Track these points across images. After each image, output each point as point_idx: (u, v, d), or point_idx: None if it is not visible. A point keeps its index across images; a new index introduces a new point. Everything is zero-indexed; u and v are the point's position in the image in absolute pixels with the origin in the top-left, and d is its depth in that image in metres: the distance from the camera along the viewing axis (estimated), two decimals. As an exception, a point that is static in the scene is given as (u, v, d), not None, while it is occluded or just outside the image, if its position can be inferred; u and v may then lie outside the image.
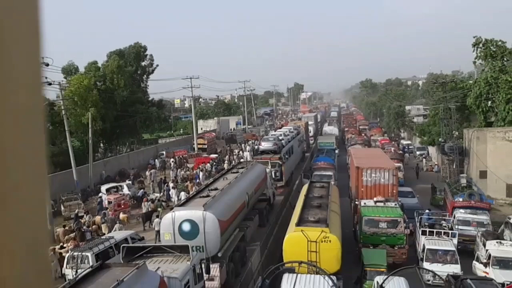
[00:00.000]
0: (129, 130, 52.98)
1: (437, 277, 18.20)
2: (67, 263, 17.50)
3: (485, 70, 40.09)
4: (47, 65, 24.78)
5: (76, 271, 14.87)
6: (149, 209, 27.19)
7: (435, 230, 21.90)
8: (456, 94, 43.22)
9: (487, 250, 20.19)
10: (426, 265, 19.52)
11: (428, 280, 18.50)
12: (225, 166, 40.23)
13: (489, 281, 17.08)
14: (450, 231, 22.17)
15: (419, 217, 23.65)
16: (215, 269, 16.23)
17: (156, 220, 23.32)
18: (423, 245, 20.70)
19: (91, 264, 15.94)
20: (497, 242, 20.45)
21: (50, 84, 26.47)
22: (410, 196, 30.52)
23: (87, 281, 11.27)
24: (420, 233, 21.97)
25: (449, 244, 20.65)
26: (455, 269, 18.89)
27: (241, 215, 21.28)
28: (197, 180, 35.51)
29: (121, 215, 26.66)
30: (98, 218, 25.94)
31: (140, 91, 56.02)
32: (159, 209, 26.57)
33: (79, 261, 16.88)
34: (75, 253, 17.40)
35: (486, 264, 19.72)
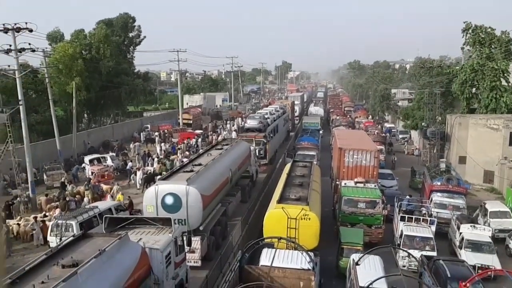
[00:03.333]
0: (113, 101, 52.36)
1: (412, 263, 18.67)
2: (51, 231, 17.65)
3: (473, 56, 40.46)
4: (31, 31, 24.20)
5: (61, 239, 14.97)
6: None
7: (414, 217, 21.95)
8: (442, 79, 43.67)
9: (460, 233, 20.82)
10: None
11: (404, 266, 18.82)
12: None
13: (461, 262, 17.67)
14: (429, 218, 22.16)
15: (399, 202, 23.92)
16: (196, 242, 16.57)
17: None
18: (401, 231, 20.84)
19: (75, 232, 16.11)
20: (471, 226, 21.09)
21: (33, 51, 25.79)
22: (390, 178, 31.21)
23: (69, 250, 11.36)
24: (399, 218, 22.11)
25: (427, 231, 20.74)
26: None
27: (224, 190, 21.57)
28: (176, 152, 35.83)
29: (104, 187, 26.69)
30: (82, 188, 25.98)
31: (126, 62, 55.14)
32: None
33: (63, 229, 17.04)
34: (60, 221, 17.53)
35: (459, 247, 20.38)
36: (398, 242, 20.83)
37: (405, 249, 18.86)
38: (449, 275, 15.89)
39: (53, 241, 16.87)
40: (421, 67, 50.72)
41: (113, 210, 19.83)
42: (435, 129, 39.71)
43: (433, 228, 21.48)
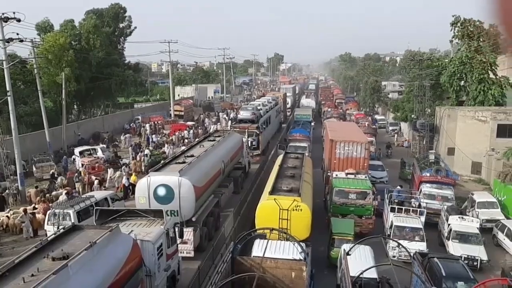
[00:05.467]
0: (104, 92, 51.85)
1: (402, 253, 18.79)
2: (48, 220, 17.58)
3: (461, 49, 40.72)
4: (19, 20, 23.85)
5: (58, 228, 14.90)
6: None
7: (403, 208, 22.15)
8: (431, 72, 43.93)
9: (449, 225, 21.11)
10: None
11: (394, 256, 18.95)
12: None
13: (456, 260, 17.22)
14: (418, 209, 22.37)
15: (389, 193, 24.03)
16: (189, 233, 16.59)
17: None
18: (391, 221, 21.00)
19: (72, 221, 16.09)
20: (459, 217, 21.37)
21: (21, 41, 25.42)
22: (380, 170, 31.48)
23: (60, 242, 11.26)
24: (389, 209, 22.27)
25: (417, 222, 20.95)
26: (421, 246, 19.31)
27: (217, 182, 21.61)
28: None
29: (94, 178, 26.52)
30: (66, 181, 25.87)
31: (117, 53, 54.50)
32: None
33: (61, 218, 16.98)
34: (57, 210, 17.45)
35: (447, 238, 20.64)
36: (388, 233, 21.03)
37: (395, 239, 19.05)
38: (444, 274, 15.43)
39: (50, 230, 16.79)
40: (411, 60, 50.92)
41: (109, 199, 19.84)
42: (424, 121, 40.03)
43: (423, 218, 21.69)
